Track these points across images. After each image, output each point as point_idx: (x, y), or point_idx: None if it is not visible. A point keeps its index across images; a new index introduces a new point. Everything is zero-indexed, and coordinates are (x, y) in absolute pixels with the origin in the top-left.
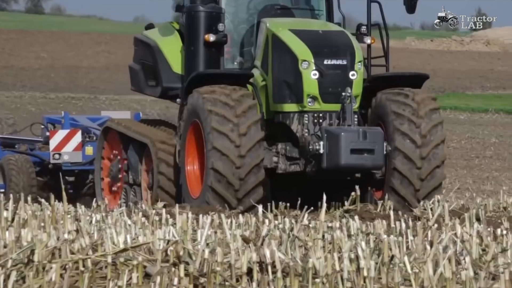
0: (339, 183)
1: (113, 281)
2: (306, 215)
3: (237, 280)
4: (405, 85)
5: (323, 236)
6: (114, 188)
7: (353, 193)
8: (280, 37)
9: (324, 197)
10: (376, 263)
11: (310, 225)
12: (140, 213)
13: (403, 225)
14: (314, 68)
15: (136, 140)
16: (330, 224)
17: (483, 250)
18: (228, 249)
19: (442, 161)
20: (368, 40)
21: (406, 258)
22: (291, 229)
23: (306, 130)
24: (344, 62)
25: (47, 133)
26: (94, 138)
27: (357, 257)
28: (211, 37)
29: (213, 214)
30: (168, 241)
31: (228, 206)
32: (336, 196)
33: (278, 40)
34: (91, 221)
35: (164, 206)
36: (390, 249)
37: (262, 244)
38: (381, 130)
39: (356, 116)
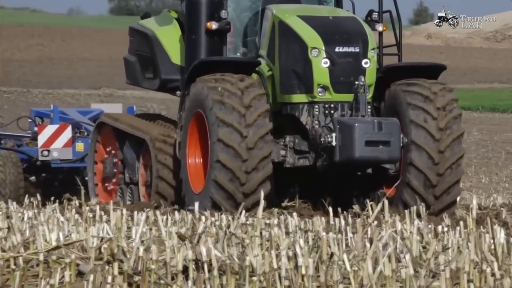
0: (347, 178)
1: (45, 280)
2: (244, 211)
3: (173, 279)
4: (420, 76)
5: (261, 233)
6: (109, 188)
7: (292, 190)
8: (288, 23)
9: (262, 194)
10: (315, 261)
11: (247, 222)
12: (74, 210)
13: (342, 222)
14: (324, 56)
15: (132, 135)
16: (267, 221)
17: (424, 247)
18: (163, 247)
19: (461, 156)
20: (379, 27)
21: (345, 256)
22: (228, 226)
23: (317, 122)
24: (357, 50)
25: (35, 128)
26: (85, 133)
27: (295, 254)
28: (214, 25)
29: (148, 211)
30: (102, 238)
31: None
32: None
33: (286, 27)
34: (23, 218)
35: (98, 203)
36: (329, 247)
37: (198, 241)
38: (397, 120)
39: (369, 106)
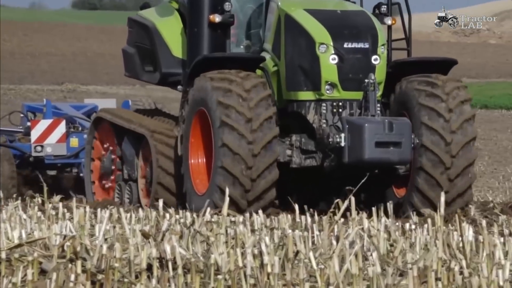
0: (355, 178)
1: (7, 278)
2: (209, 209)
3: (136, 277)
4: (431, 71)
5: (226, 231)
6: (106, 185)
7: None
8: (294, 17)
9: (227, 191)
10: (281, 259)
11: (213, 220)
12: (36, 207)
13: (309, 219)
14: (333, 52)
15: (131, 131)
16: (233, 219)
17: (391, 245)
18: (127, 245)
19: (473, 160)
20: (388, 21)
21: (311, 254)
22: (193, 224)
23: (324, 121)
24: (366, 46)
25: (28, 123)
26: (80, 128)
27: (260, 252)
28: (217, 18)
29: (112, 208)
30: (65, 236)
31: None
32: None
33: (292, 21)
34: None
35: (61, 200)
36: (295, 245)
37: (162, 239)
38: (408, 121)
39: (379, 105)
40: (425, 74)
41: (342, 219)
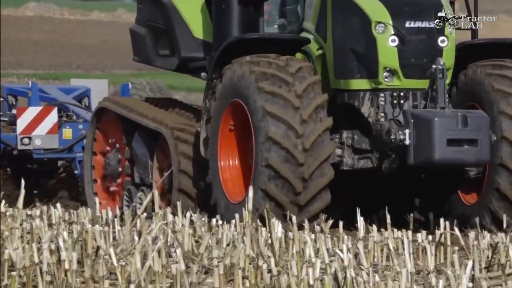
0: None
1: None
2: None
3: None
4: (503, 56)
5: (21, 225)
6: (111, 188)
7: None
8: None
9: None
10: (79, 255)
11: (8, 213)
12: None
13: (110, 214)
14: (392, 32)
15: (144, 127)
16: (29, 212)
17: (196, 241)
18: None
19: None
20: None
21: (112, 250)
22: None
23: (382, 114)
24: (431, 25)
25: (14, 111)
26: (74, 117)
27: (58, 248)
28: None
29: None
30: None
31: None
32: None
33: None
34: None
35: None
36: (95, 240)
37: None
38: (485, 114)
39: (447, 95)
40: (499, 59)
41: (145, 214)
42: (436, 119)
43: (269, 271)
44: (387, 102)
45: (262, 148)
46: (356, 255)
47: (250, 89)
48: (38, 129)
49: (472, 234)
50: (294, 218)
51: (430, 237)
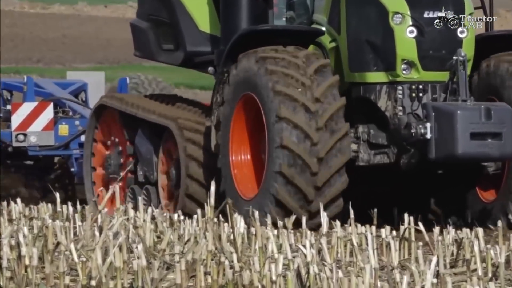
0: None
1: None
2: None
3: None
4: None
5: None
6: (112, 187)
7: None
8: None
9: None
10: (39, 251)
11: None
12: None
13: (71, 209)
14: (410, 23)
15: (147, 123)
16: None
17: (158, 237)
18: None
19: None
20: None
21: (72, 246)
22: None
23: (400, 108)
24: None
25: (8, 106)
26: (70, 113)
27: (18, 244)
28: None
29: None
30: None
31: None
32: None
33: None
34: None
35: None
36: (55, 236)
37: None
38: (509, 106)
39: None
40: None
41: (106, 209)
42: (459, 112)
43: (231, 267)
44: (405, 95)
45: (275, 153)
46: (319, 251)
47: (263, 87)
48: (33, 125)
49: (436, 229)
50: (257, 214)
51: (394, 232)
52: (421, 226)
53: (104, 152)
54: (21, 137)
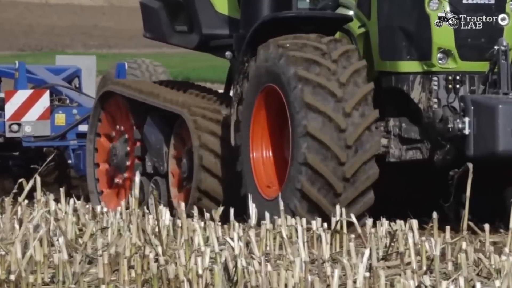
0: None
1: None
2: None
3: None
4: None
5: None
6: (117, 180)
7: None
8: None
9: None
10: None
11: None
12: None
13: None
14: (448, 9)
15: (157, 110)
16: None
17: (80, 230)
18: None
19: None
20: None
21: None
22: None
23: (435, 100)
24: (491, 1)
25: (0, 94)
26: (67, 101)
27: None
28: None
29: None
30: None
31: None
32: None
33: None
34: None
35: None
36: None
37: None
38: None
39: None
40: None
41: (27, 201)
42: (500, 106)
43: (156, 260)
44: (441, 86)
45: (299, 143)
46: (247, 244)
47: (287, 76)
48: (28, 115)
49: (369, 221)
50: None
51: (325, 224)
52: (353, 218)
53: (107, 146)
54: (15, 127)
